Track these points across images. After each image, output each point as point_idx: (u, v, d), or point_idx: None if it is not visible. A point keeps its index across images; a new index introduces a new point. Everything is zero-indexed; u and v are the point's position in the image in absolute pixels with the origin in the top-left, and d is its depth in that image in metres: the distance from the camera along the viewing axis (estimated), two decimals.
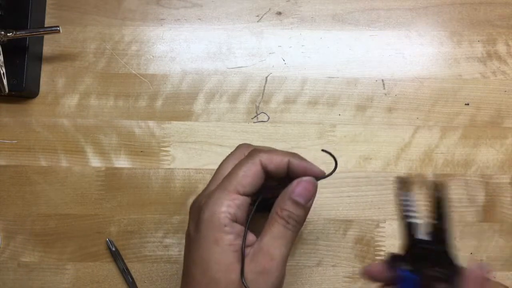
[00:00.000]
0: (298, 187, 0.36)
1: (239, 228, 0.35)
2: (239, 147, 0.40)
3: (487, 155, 0.54)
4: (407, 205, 0.36)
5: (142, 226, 0.54)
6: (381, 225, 0.54)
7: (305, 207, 0.36)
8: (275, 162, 0.36)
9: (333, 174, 0.38)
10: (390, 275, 0.35)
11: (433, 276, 0.33)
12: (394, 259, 0.36)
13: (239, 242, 0.34)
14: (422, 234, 0.35)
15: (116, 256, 0.53)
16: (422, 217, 0.35)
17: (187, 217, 0.39)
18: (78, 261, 0.53)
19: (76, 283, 0.53)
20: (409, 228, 0.35)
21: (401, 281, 0.35)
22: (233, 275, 0.34)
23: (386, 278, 0.36)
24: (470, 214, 0.54)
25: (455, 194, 0.54)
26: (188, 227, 0.37)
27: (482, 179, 0.54)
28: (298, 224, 0.36)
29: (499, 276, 0.53)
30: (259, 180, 0.36)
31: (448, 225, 0.34)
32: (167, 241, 0.54)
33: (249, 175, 0.36)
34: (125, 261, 0.53)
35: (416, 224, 0.35)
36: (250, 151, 0.38)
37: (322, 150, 0.38)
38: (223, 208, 0.34)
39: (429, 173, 0.54)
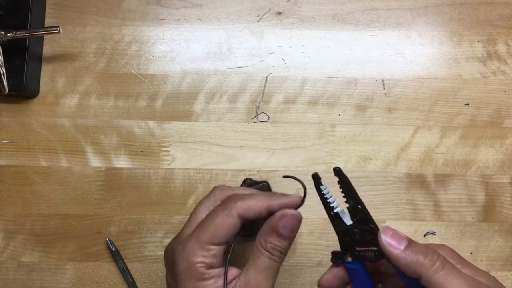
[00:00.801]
0: (282, 220, 0.35)
1: (217, 271, 0.35)
2: (214, 189, 0.39)
3: (487, 155, 0.54)
4: (327, 198, 0.36)
5: (142, 226, 0.54)
6: (381, 225, 0.54)
7: (290, 238, 0.36)
8: (253, 211, 0.35)
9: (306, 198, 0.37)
10: (343, 273, 0.37)
11: (369, 258, 0.35)
12: (337, 256, 0.37)
13: (220, 283, 0.34)
14: (348, 219, 0.36)
15: (116, 256, 0.53)
16: (340, 204, 0.37)
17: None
18: (78, 261, 0.53)
19: (76, 283, 0.53)
20: (336, 219, 0.36)
21: (351, 273, 0.37)
22: None
23: (342, 278, 0.37)
24: (470, 214, 0.54)
25: (455, 194, 0.54)
26: (166, 272, 0.37)
27: (482, 179, 0.54)
28: (282, 255, 0.36)
29: (499, 276, 0.53)
30: (235, 230, 0.35)
31: (361, 201, 0.36)
32: (167, 241, 0.53)
33: (224, 228, 0.35)
34: (125, 261, 0.53)
35: (341, 212, 0.36)
36: (225, 199, 0.37)
37: (284, 176, 0.38)
38: (198, 259, 0.34)
39: (429, 173, 0.54)
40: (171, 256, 0.36)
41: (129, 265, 0.53)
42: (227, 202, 0.36)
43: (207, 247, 0.34)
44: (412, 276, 0.33)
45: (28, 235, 0.54)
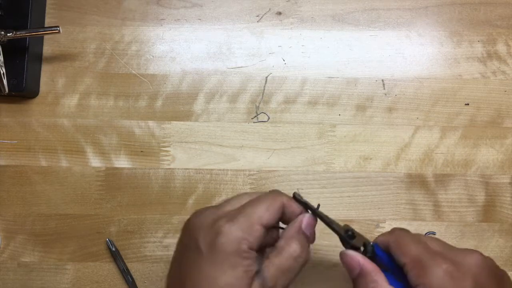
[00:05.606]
0: (305, 221, 0.38)
1: (254, 255, 0.36)
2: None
3: (487, 155, 0.54)
4: (315, 211, 0.39)
5: (142, 226, 0.54)
6: (381, 225, 0.54)
7: (310, 237, 0.38)
8: (293, 208, 0.38)
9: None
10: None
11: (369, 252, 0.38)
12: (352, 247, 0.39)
13: (254, 268, 0.35)
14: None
15: (116, 256, 0.53)
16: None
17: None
18: (78, 261, 0.53)
19: (76, 283, 0.53)
20: (336, 231, 0.39)
21: (379, 260, 0.38)
22: None
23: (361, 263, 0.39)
24: (470, 214, 0.54)
25: (455, 194, 0.54)
26: (198, 239, 0.36)
27: (482, 179, 0.54)
28: (305, 257, 0.37)
29: None
30: (276, 218, 0.37)
31: (327, 217, 0.39)
32: (167, 241, 0.54)
33: (271, 211, 0.37)
34: (125, 261, 0.53)
35: (336, 225, 0.39)
36: (272, 190, 0.40)
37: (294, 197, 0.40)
38: (245, 235, 0.35)
39: (429, 173, 0.54)
40: (215, 226, 0.36)
41: (129, 265, 0.53)
42: (273, 192, 0.39)
43: (255, 227, 0.35)
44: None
45: (28, 235, 0.54)
